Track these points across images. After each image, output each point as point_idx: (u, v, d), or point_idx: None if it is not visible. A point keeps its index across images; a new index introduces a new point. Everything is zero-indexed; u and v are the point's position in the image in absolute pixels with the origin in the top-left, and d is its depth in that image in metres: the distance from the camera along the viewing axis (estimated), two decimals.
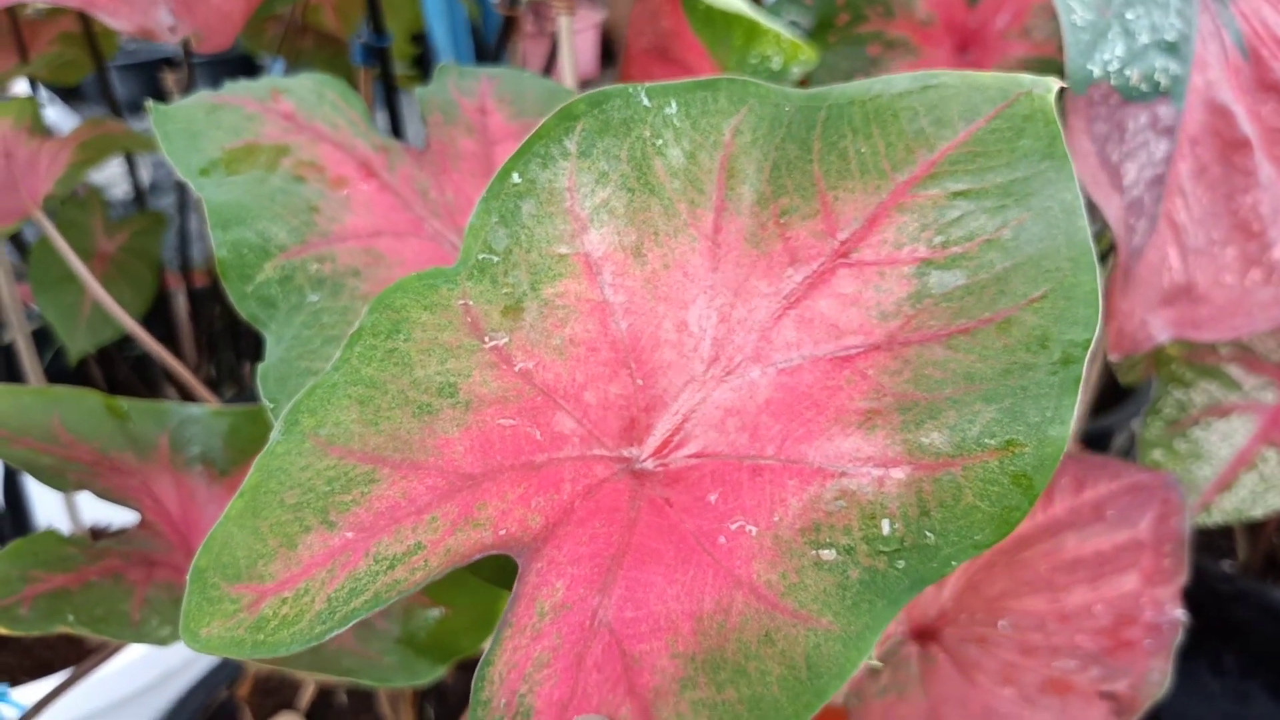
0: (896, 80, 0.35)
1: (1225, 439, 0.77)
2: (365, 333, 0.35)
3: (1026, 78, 0.34)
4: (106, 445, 0.53)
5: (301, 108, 0.50)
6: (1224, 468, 0.77)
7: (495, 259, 0.36)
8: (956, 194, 0.33)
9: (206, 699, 0.86)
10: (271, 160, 0.47)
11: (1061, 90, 0.56)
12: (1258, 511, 0.76)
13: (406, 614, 0.54)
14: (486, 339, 0.35)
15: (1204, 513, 0.76)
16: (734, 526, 0.30)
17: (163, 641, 0.45)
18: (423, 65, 1.39)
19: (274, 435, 0.34)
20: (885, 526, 0.29)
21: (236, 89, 0.50)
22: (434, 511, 0.32)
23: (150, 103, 0.48)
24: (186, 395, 1.12)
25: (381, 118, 1.34)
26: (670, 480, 0.33)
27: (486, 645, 0.31)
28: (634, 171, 0.37)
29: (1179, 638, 0.57)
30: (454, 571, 0.42)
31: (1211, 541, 1.05)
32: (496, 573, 0.37)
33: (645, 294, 0.36)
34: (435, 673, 0.51)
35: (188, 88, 1.18)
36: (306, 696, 0.87)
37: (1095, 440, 1.13)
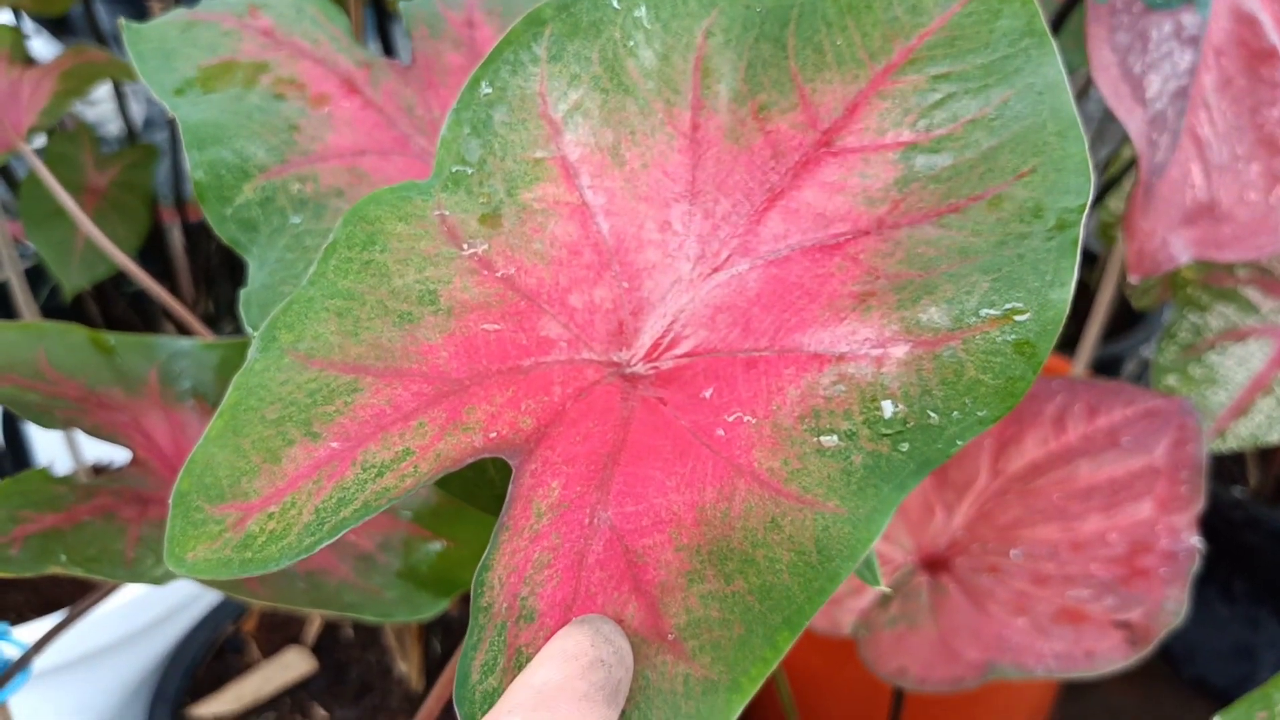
0: None
1: (1241, 363, 0.75)
2: (340, 245, 0.35)
3: None
4: (94, 381, 0.51)
5: (281, 23, 0.48)
6: (1240, 393, 0.75)
7: (469, 170, 0.36)
8: (937, 77, 0.33)
9: (213, 634, 0.86)
10: (249, 78, 0.45)
11: None
12: (1274, 437, 0.74)
13: (407, 547, 0.53)
14: (465, 246, 0.35)
15: (1219, 439, 0.75)
16: (731, 419, 0.30)
17: (158, 580, 0.44)
18: None
19: (251, 353, 0.33)
20: (887, 408, 0.28)
21: (213, 4, 0.48)
22: (421, 417, 0.31)
23: (122, 21, 0.46)
24: (185, 331, 1.11)
25: (375, 46, 1.31)
26: (663, 381, 0.32)
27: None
28: (606, 73, 0.36)
29: (1195, 566, 0.56)
30: (453, 505, 0.41)
31: (1223, 467, 1.05)
32: (494, 503, 0.36)
33: (626, 194, 0.35)
34: (437, 606, 0.50)
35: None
36: (313, 631, 0.87)
37: (1106, 366, 1.11)
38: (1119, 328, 1.22)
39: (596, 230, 0.35)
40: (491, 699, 0.28)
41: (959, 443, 0.27)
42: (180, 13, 0.47)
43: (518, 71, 0.37)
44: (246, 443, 0.31)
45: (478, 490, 0.37)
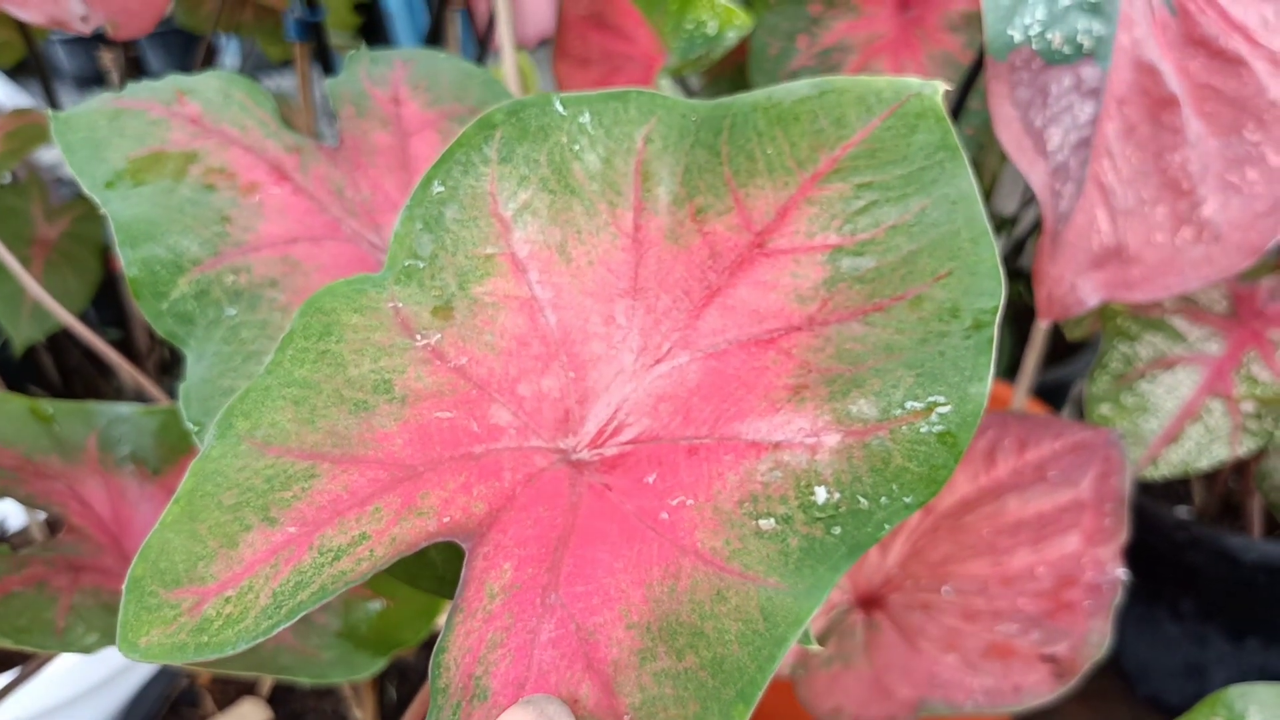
0: (795, 87, 0.37)
1: (1171, 391, 0.77)
2: (296, 335, 0.36)
3: (915, 81, 0.36)
4: (31, 449, 0.52)
5: (208, 110, 0.48)
6: (1170, 420, 0.77)
7: (421, 264, 0.38)
8: (861, 186, 0.35)
9: (168, 688, 0.86)
10: (179, 168, 0.46)
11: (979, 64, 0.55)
12: (1203, 463, 0.76)
13: (347, 607, 0.54)
14: (418, 337, 0.36)
15: (1152, 466, 0.77)
16: (674, 502, 0.31)
17: (88, 649, 0.44)
18: (368, 36, 1.37)
19: (208, 440, 0.34)
20: (820, 494, 0.30)
21: (139, 91, 0.48)
22: (377, 502, 0.32)
23: (50, 112, 0.47)
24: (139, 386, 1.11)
25: (320, 91, 1.31)
26: (608, 466, 0.33)
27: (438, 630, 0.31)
28: (554, 175, 0.38)
29: (1118, 597, 0.58)
30: (408, 565, 0.42)
31: (1168, 488, 1.06)
32: (436, 584, 0.37)
33: (572, 289, 0.37)
34: (375, 666, 0.51)
35: (126, 68, 1.16)
36: (268, 682, 0.87)
37: (1051, 392, 1.13)
38: (1064, 353, 1.24)
39: (545, 323, 0.37)
40: None
41: (887, 526, 0.29)
42: (107, 99, 0.48)
43: (469, 171, 0.39)
44: (203, 528, 0.32)
45: (420, 572, 0.38)
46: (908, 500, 0.29)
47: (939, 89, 0.35)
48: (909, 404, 0.31)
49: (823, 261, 0.35)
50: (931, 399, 0.31)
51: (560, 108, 0.39)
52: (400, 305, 0.37)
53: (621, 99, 0.39)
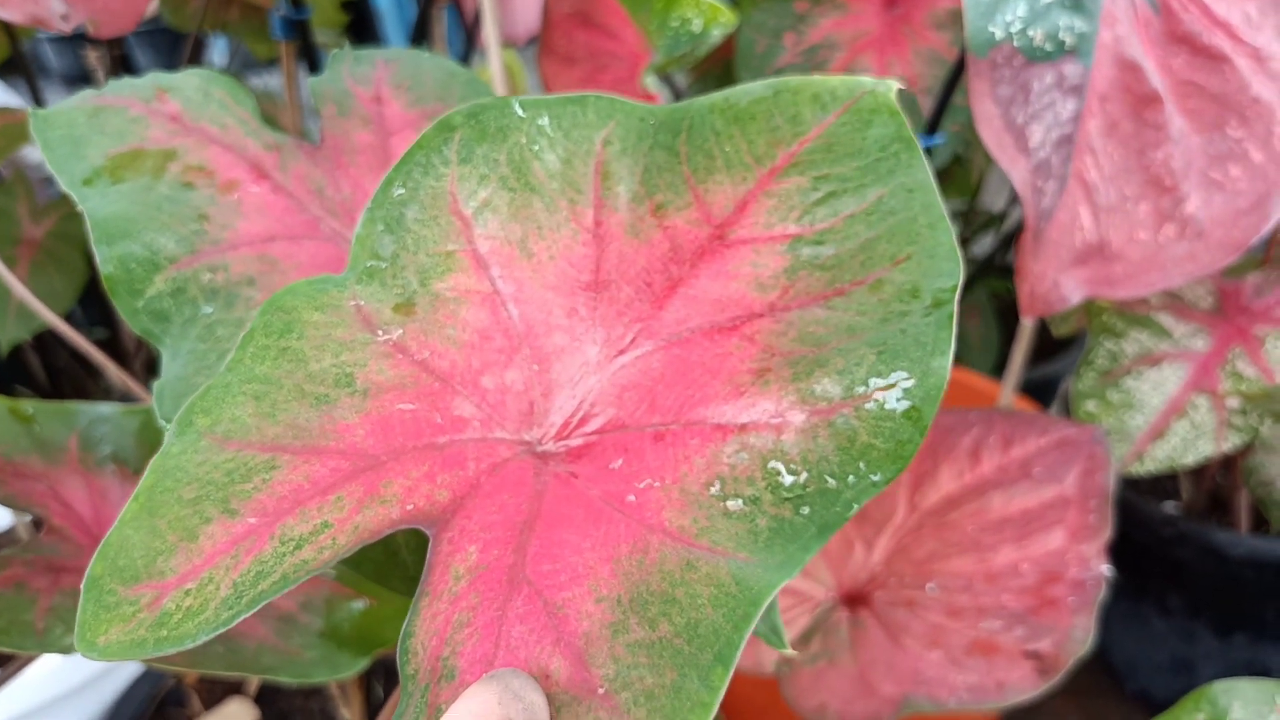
0: (751, 88, 0.37)
1: (1157, 387, 0.77)
2: (257, 333, 0.36)
3: (868, 79, 0.36)
4: (11, 450, 0.52)
5: (188, 108, 0.48)
6: (1156, 416, 0.77)
7: (383, 264, 0.38)
8: (818, 178, 0.36)
9: (154, 688, 0.86)
10: (158, 166, 0.46)
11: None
12: (1189, 459, 0.76)
13: (330, 607, 0.54)
14: (380, 333, 0.36)
15: (1138, 462, 0.77)
16: (641, 485, 0.31)
17: (68, 650, 0.44)
18: (356, 33, 1.37)
19: (167, 438, 0.34)
20: (786, 476, 0.30)
21: (120, 88, 0.48)
22: (339, 491, 0.32)
23: (30, 109, 0.46)
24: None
25: (306, 90, 1.31)
26: (574, 456, 0.33)
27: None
28: (514, 173, 0.39)
29: (1102, 594, 0.58)
30: (378, 565, 0.42)
31: (1156, 483, 1.07)
32: (406, 584, 0.37)
33: (534, 283, 0.37)
34: (358, 665, 0.51)
35: (112, 66, 1.16)
36: (255, 681, 0.87)
37: (1040, 389, 1.13)
38: (1052, 350, 1.24)
39: (507, 316, 0.37)
40: None
41: (855, 506, 0.29)
42: (88, 96, 0.47)
43: (429, 172, 0.39)
44: (163, 523, 0.32)
45: (390, 572, 0.38)
46: (875, 478, 0.30)
47: (892, 86, 0.36)
48: (872, 380, 0.31)
49: (782, 251, 0.35)
50: (895, 375, 0.31)
51: (519, 110, 0.39)
52: (362, 303, 0.37)
53: (579, 103, 0.39)
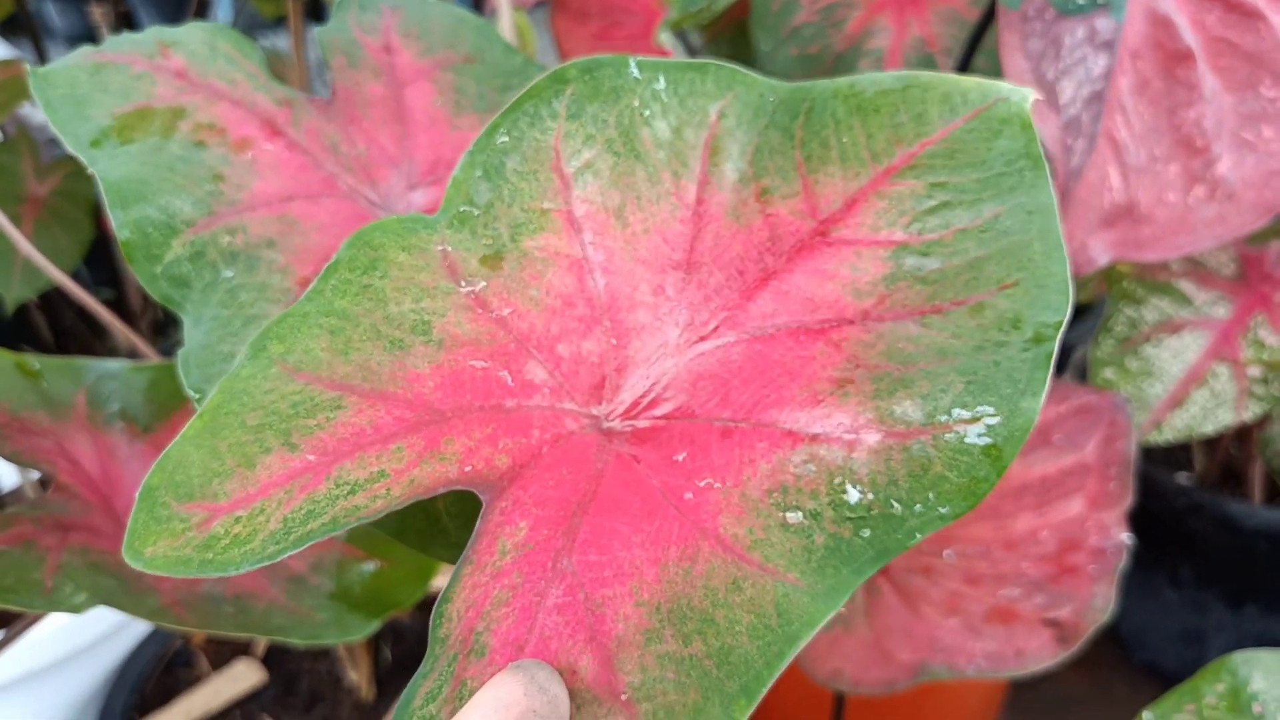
0: (881, 78, 0.36)
1: (1177, 356, 0.76)
2: (341, 266, 0.36)
3: (1005, 85, 0.35)
4: (17, 405, 0.51)
5: (194, 63, 0.47)
6: (1175, 385, 0.76)
7: (476, 211, 0.37)
8: (934, 185, 0.34)
9: (161, 648, 0.86)
10: (168, 125, 0.44)
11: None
12: (1208, 428, 0.75)
13: (340, 568, 0.53)
14: (463, 284, 0.36)
15: (1155, 430, 0.76)
16: (701, 483, 0.30)
17: (76, 608, 0.43)
18: None
19: (239, 359, 0.34)
20: (852, 493, 0.29)
21: (120, 44, 0.46)
22: (400, 441, 0.32)
23: (28, 67, 0.45)
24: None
25: (314, 50, 1.30)
26: (639, 439, 0.33)
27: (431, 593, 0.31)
28: (621, 137, 0.38)
29: (1123, 561, 0.57)
30: (421, 532, 0.41)
31: (1169, 454, 1.06)
32: (450, 552, 0.37)
33: (625, 255, 0.36)
34: (369, 627, 0.50)
35: (116, 24, 1.14)
36: (262, 642, 0.86)
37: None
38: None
39: (593, 285, 0.36)
40: None
41: (918, 535, 0.28)
42: (87, 53, 0.46)
43: (535, 124, 0.38)
44: (223, 445, 0.31)
45: (433, 541, 0.37)
46: (943, 510, 0.28)
47: (1029, 97, 0.34)
48: (956, 411, 0.30)
49: (885, 257, 0.34)
50: (980, 408, 0.30)
51: (635, 71, 0.38)
52: (449, 249, 0.36)
53: (699, 69, 0.38)
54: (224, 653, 0.86)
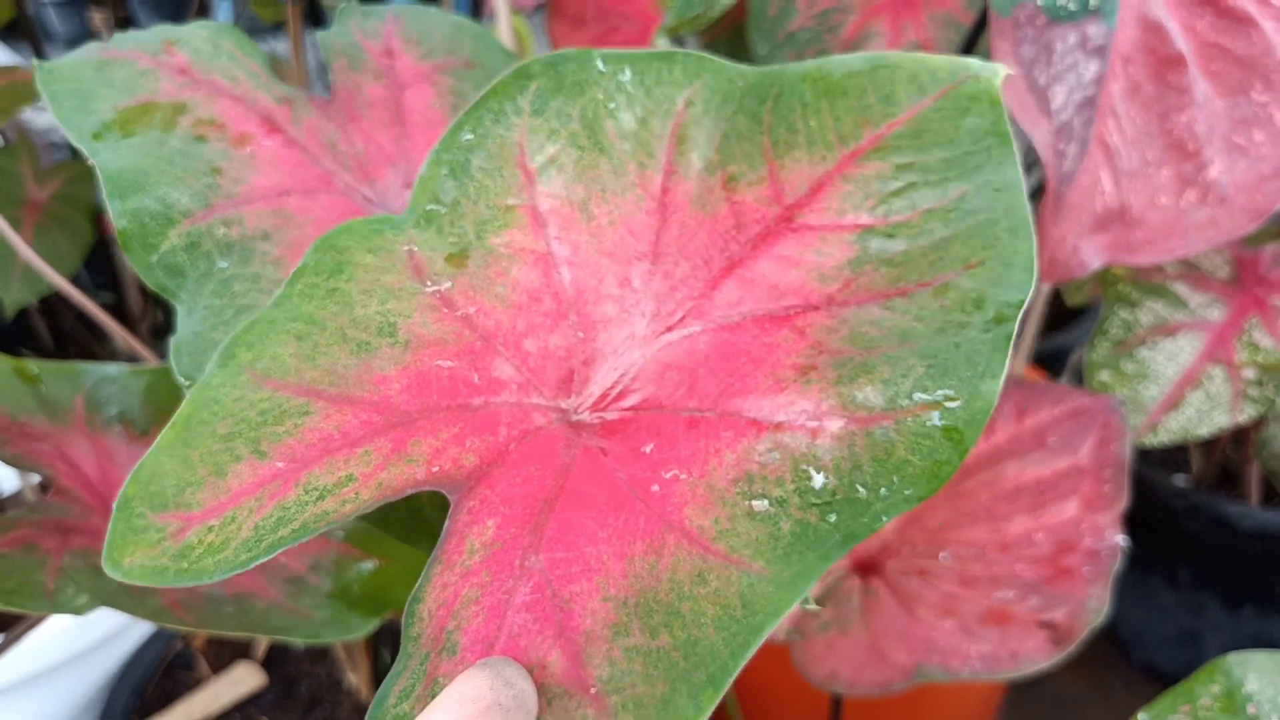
0: (850, 59, 0.36)
1: (1172, 358, 0.77)
2: (308, 270, 0.36)
3: (975, 62, 0.35)
4: (16, 410, 0.51)
5: (197, 60, 0.47)
6: (1170, 387, 0.76)
7: (442, 210, 0.37)
8: (901, 166, 0.34)
9: (162, 651, 0.86)
10: (169, 119, 0.45)
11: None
12: (1203, 430, 0.76)
13: (339, 567, 0.54)
14: (429, 283, 0.36)
15: (1151, 433, 0.76)
16: (668, 475, 0.31)
17: (79, 610, 0.44)
18: None
19: (209, 368, 0.34)
20: (818, 479, 0.29)
21: (125, 41, 0.47)
22: (367, 445, 0.32)
23: (35, 61, 0.45)
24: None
25: (313, 55, 1.30)
26: (607, 431, 0.33)
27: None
28: (585, 131, 0.38)
29: (1118, 564, 0.57)
30: (403, 524, 0.42)
31: (1166, 456, 1.06)
32: (430, 541, 0.37)
33: (590, 248, 0.37)
34: (368, 626, 0.51)
35: (116, 28, 1.14)
36: (262, 645, 0.87)
37: (1052, 359, 1.13)
38: (1064, 320, 1.23)
39: (558, 280, 0.36)
40: None
41: (884, 518, 0.28)
42: (94, 49, 0.46)
43: (500, 121, 0.38)
44: (195, 455, 0.32)
45: (415, 530, 0.38)
46: (908, 493, 0.29)
47: (999, 72, 0.34)
48: (917, 395, 0.30)
49: (851, 241, 0.34)
50: (942, 392, 0.30)
51: (601, 64, 0.38)
52: (415, 249, 0.37)
53: (667, 59, 0.38)
54: (224, 656, 0.86)
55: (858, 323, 0.32)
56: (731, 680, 0.27)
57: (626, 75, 0.38)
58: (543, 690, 0.28)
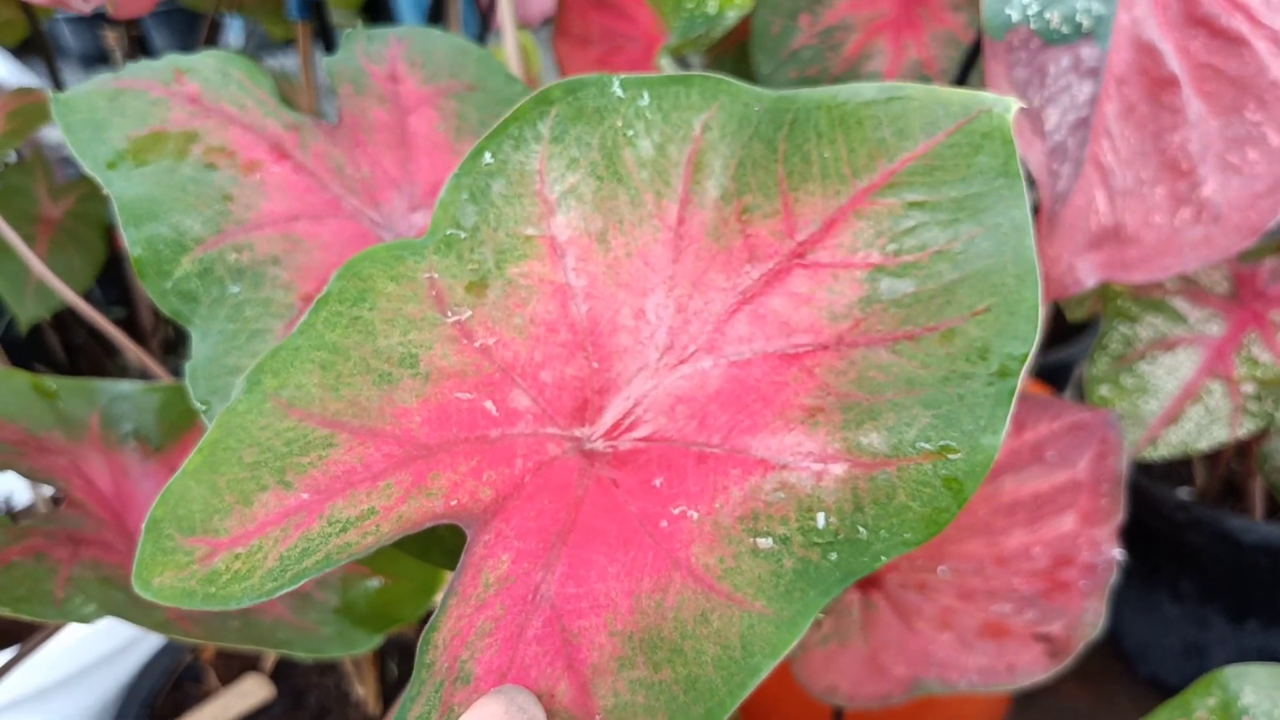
0: (864, 89, 0.36)
1: (1171, 373, 0.77)
2: (332, 299, 0.36)
3: (989, 96, 0.34)
4: (34, 425, 0.52)
5: (207, 89, 0.48)
6: (1170, 401, 0.77)
7: (463, 235, 0.38)
8: (912, 204, 0.34)
9: (171, 664, 0.87)
10: (180, 147, 0.46)
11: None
12: (1203, 444, 0.76)
13: (345, 584, 0.54)
14: (449, 313, 0.36)
15: (1151, 447, 0.77)
16: (676, 511, 0.32)
17: (86, 619, 0.45)
18: (372, 14, 1.37)
19: (235, 393, 0.35)
20: (820, 520, 0.30)
21: (138, 70, 0.48)
22: (389, 478, 0.33)
23: (50, 92, 0.47)
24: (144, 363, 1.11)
25: (323, 72, 1.31)
26: (619, 462, 0.34)
27: (435, 607, 0.32)
28: (604, 160, 0.38)
29: (1114, 577, 0.58)
30: (420, 542, 0.43)
31: (1170, 469, 1.06)
32: (446, 558, 0.39)
33: (607, 280, 0.37)
34: (373, 642, 0.51)
35: (129, 47, 1.16)
36: (271, 657, 0.87)
37: (1054, 373, 1.13)
38: (1066, 335, 1.24)
39: (575, 311, 0.37)
40: None
41: (884, 558, 0.29)
42: (106, 79, 0.48)
43: (520, 147, 0.38)
44: (222, 481, 0.33)
45: (431, 548, 0.39)
46: (907, 536, 0.29)
47: (1011, 107, 0.34)
48: (920, 444, 0.31)
49: (862, 279, 0.34)
50: (944, 443, 0.30)
51: (619, 90, 0.38)
52: (436, 276, 0.37)
53: (684, 83, 0.38)
54: (233, 668, 0.87)
55: (865, 366, 0.33)
56: (728, 716, 0.28)
57: (645, 100, 0.38)
58: (552, 717, 0.29)
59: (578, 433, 0.35)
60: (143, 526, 0.32)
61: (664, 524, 0.31)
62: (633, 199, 0.37)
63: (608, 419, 0.35)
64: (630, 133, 0.38)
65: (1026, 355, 0.31)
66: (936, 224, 0.34)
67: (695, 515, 0.31)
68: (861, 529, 0.30)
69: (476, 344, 0.36)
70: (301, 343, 0.35)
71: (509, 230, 0.38)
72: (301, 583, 0.31)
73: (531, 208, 0.38)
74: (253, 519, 0.32)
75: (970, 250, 0.33)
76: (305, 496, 0.32)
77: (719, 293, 0.36)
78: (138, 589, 0.31)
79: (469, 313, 0.36)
